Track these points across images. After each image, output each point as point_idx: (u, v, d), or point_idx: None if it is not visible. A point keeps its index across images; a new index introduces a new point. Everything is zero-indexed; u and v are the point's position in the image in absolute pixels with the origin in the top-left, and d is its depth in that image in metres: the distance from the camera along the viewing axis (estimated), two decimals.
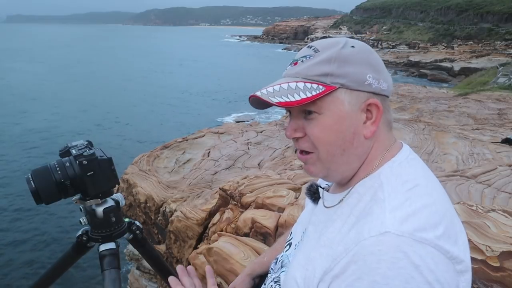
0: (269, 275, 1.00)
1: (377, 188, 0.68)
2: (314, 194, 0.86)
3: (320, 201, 0.83)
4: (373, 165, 0.72)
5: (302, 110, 0.72)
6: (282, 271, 0.90)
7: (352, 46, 0.71)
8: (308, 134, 0.72)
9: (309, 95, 0.68)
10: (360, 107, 0.69)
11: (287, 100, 0.68)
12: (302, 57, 0.73)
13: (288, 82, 0.70)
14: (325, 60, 0.69)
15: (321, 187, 0.85)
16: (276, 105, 0.69)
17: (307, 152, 0.74)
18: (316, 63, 0.70)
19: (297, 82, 0.70)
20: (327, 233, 0.71)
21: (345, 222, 0.68)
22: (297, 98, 0.68)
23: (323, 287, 0.66)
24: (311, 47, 0.73)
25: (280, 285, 0.89)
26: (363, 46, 0.73)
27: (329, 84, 0.68)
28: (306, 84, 0.69)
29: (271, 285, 0.93)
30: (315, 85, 0.69)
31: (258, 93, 0.71)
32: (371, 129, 0.70)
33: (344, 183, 0.77)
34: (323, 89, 0.68)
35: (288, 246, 0.95)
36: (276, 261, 0.98)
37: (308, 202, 0.91)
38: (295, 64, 0.73)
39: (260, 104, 0.74)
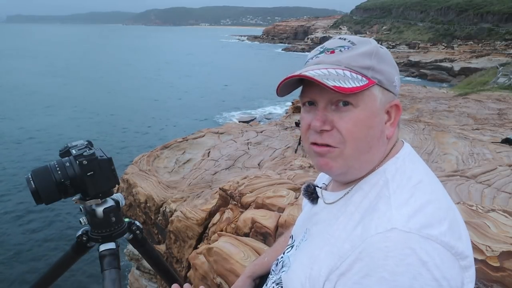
0: (270, 276, 0.99)
1: (383, 185, 0.68)
2: (311, 194, 0.85)
3: (320, 200, 0.82)
4: (375, 162, 0.72)
5: (332, 102, 0.69)
6: (283, 271, 0.90)
7: (381, 47, 0.73)
8: (339, 127, 0.68)
9: (357, 84, 0.66)
10: (385, 107, 0.70)
11: (343, 85, 0.65)
12: (338, 46, 0.71)
13: (335, 69, 0.68)
14: (366, 53, 0.69)
15: (318, 186, 0.85)
16: (332, 89, 0.64)
17: (328, 145, 0.70)
18: (358, 54, 0.69)
19: (343, 70, 0.68)
20: (331, 231, 0.70)
21: (350, 219, 0.68)
22: (349, 85, 0.66)
23: (329, 286, 0.65)
24: (345, 39, 0.73)
25: (282, 286, 0.88)
26: (385, 48, 0.75)
27: (370, 77, 0.68)
28: (352, 73, 0.68)
29: (273, 287, 0.93)
30: (359, 76, 0.68)
31: (308, 73, 0.67)
32: (391, 130, 0.71)
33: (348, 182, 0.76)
34: (366, 82, 0.67)
35: (290, 248, 0.94)
36: (277, 263, 0.98)
37: (305, 203, 0.90)
38: (332, 52, 0.71)
39: (290, 87, 0.72)
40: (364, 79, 0.67)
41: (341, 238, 0.66)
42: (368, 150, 0.69)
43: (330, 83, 0.65)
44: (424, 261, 0.58)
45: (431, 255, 0.58)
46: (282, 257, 0.96)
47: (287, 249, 0.95)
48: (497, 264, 1.57)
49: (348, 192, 0.73)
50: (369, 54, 0.69)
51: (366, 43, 0.72)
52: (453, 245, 0.61)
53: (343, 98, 0.67)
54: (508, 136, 6.42)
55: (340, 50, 0.71)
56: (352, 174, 0.73)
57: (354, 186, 0.72)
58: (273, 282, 0.94)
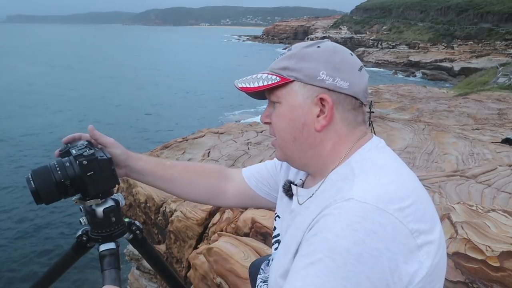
0: (258, 276, 1.01)
1: (348, 172, 0.71)
2: (288, 191, 0.88)
3: (295, 198, 0.84)
4: (341, 156, 0.75)
5: (270, 101, 0.81)
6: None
7: (318, 46, 0.76)
8: (271, 120, 0.81)
9: (265, 83, 0.77)
10: (313, 101, 0.74)
11: (248, 86, 0.79)
12: (280, 54, 0.81)
13: (263, 73, 0.80)
14: (287, 56, 0.77)
15: (294, 184, 0.86)
16: (239, 89, 0.81)
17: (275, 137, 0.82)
18: (281, 59, 0.79)
19: (263, 73, 0.79)
20: (303, 219, 0.73)
21: (318, 206, 0.70)
22: (256, 85, 0.78)
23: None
24: (291, 49, 0.79)
25: (268, 284, 0.89)
26: (329, 46, 0.76)
27: (285, 76, 0.75)
28: (269, 75, 0.78)
29: (260, 285, 0.94)
30: (274, 77, 0.77)
31: (238, 80, 0.82)
32: (321, 123, 0.74)
33: (316, 175, 0.80)
34: (278, 80, 0.76)
35: (277, 243, 0.92)
36: (268, 262, 0.98)
37: (282, 195, 0.92)
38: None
39: (253, 94, 0.83)
40: (277, 78, 0.76)
41: (309, 218, 0.69)
42: (293, 140, 0.77)
43: (240, 84, 0.80)
44: (371, 230, 0.59)
45: (383, 226, 0.59)
46: (272, 255, 0.95)
47: (275, 244, 0.93)
48: (497, 264, 1.57)
49: (319, 187, 0.75)
50: (289, 56, 0.77)
51: (298, 47, 0.77)
52: (410, 221, 0.62)
53: (269, 98, 0.80)
54: (508, 136, 6.42)
55: (277, 57, 0.81)
56: (294, 162, 0.82)
57: (324, 179, 0.75)
58: (261, 281, 0.96)
